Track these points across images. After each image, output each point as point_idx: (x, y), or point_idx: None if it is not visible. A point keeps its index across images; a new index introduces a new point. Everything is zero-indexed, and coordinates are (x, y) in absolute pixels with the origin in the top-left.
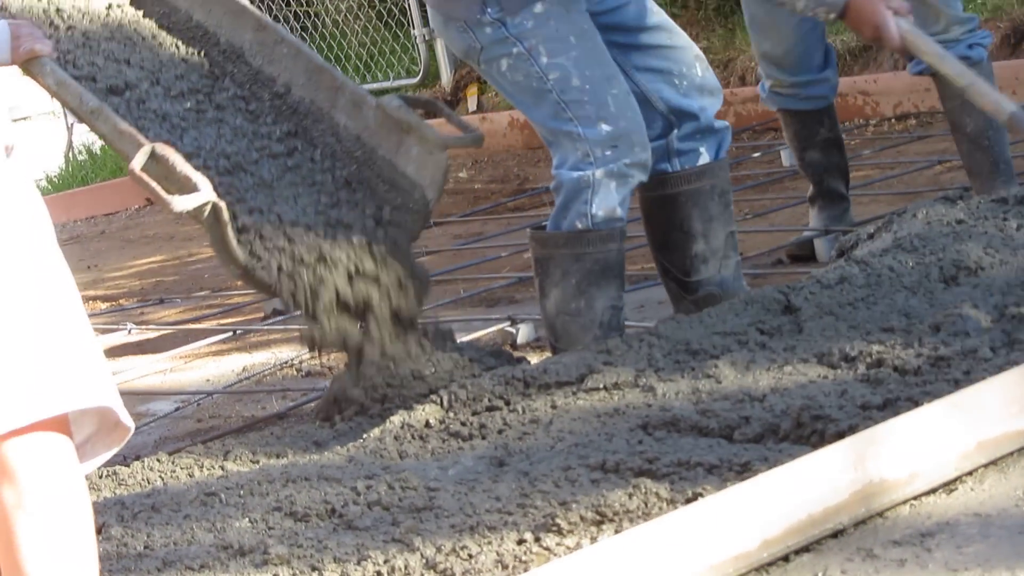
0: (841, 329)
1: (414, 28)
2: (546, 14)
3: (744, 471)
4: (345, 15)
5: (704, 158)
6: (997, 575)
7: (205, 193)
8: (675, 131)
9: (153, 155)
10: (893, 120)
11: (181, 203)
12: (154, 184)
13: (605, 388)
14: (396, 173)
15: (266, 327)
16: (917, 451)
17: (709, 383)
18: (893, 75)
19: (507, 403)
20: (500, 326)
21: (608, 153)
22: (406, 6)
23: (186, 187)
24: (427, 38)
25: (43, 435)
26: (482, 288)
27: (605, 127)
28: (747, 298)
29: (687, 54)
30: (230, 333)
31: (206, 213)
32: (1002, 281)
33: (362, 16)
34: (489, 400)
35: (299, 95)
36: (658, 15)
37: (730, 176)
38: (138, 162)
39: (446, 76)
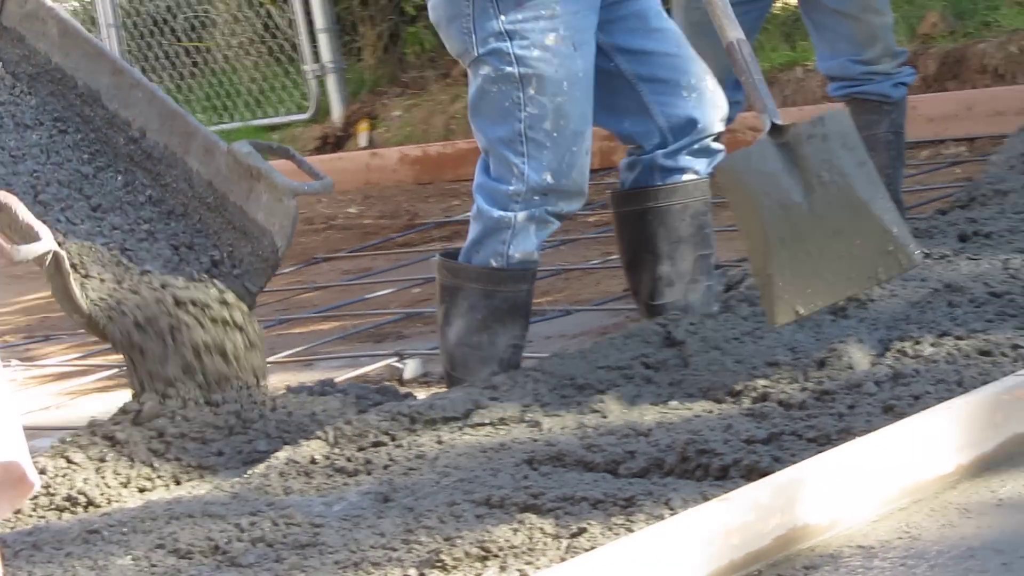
0: (727, 363)
1: (305, 64)
2: (553, 50)
3: (629, 506)
4: (236, 51)
5: (688, 176)
6: None
7: (46, 242)
8: (666, 147)
9: None
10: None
11: (23, 252)
12: None
13: (491, 424)
14: (246, 220)
15: None
16: (842, 496)
17: (595, 418)
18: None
19: (392, 439)
20: (388, 362)
21: (537, 199)
22: (296, 42)
23: (28, 236)
24: (317, 74)
25: None
26: (370, 324)
27: (549, 178)
28: (627, 332)
29: (698, 65)
30: (115, 369)
31: (47, 262)
32: (889, 315)
33: (253, 52)
34: (375, 436)
35: (154, 139)
36: (667, 22)
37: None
38: None
39: (337, 112)
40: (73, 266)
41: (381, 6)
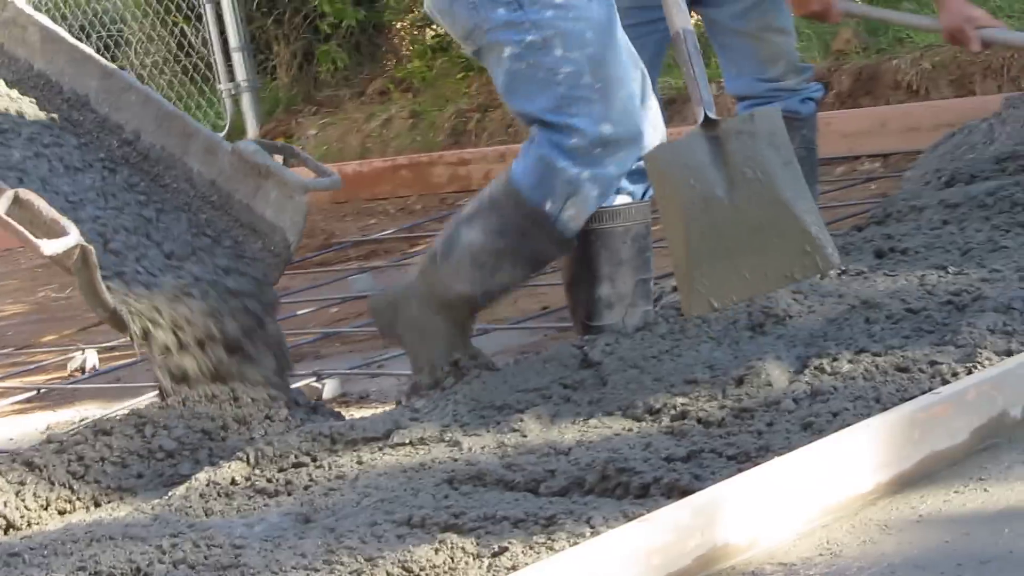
0: (645, 382)
1: (220, 83)
2: (565, 5)
3: (550, 524)
4: (151, 69)
5: (624, 199)
6: None
7: (74, 236)
8: None
9: (17, 200)
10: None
11: (51, 247)
12: (21, 228)
13: (411, 443)
14: (254, 217)
15: (71, 385)
16: (762, 515)
17: (515, 437)
18: None
19: (313, 459)
20: (307, 381)
21: (599, 152)
22: (212, 60)
23: (53, 231)
24: (232, 93)
25: None
26: (288, 344)
27: (608, 129)
28: (545, 356)
29: (644, 85)
30: (34, 392)
31: (75, 257)
32: (807, 332)
33: (167, 71)
34: (295, 457)
35: (149, 141)
36: None
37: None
38: (2, 206)
39: (252, 130)
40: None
41: (295, 25)
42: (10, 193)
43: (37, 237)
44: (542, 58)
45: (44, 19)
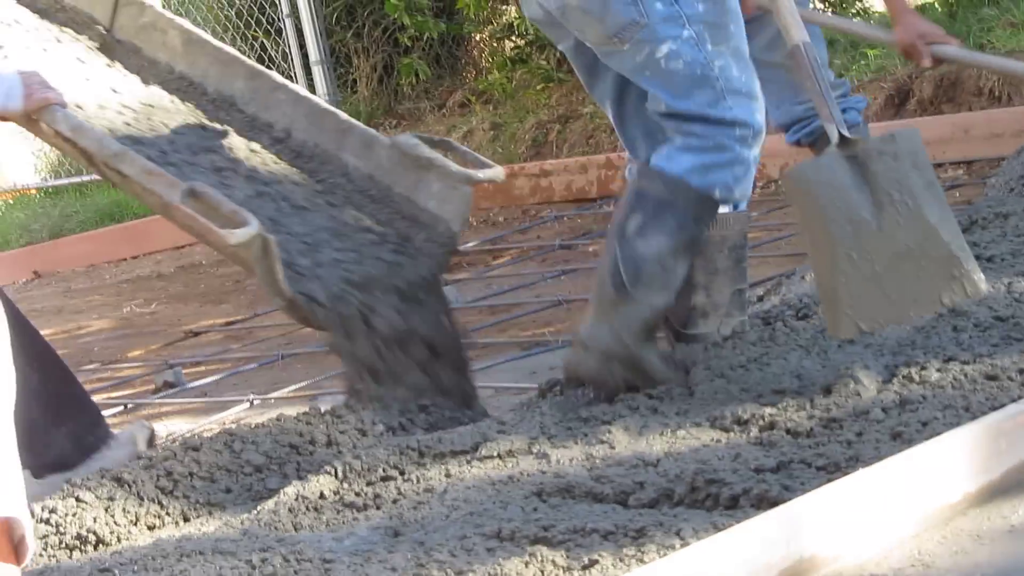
0: (733, 392)
1: None
2: None
3: (640, 536)
4: None
5: (723, 208)
6: None
7: (255, 226)
8: None
9: (192, 193)
10: (780, 183)
11: (236, 236)
12: (203, 219)
13: (499, 456)
14: (416, 208)
15: (157, 400)
16: (850, 526)
17: (603, 449)
18: (779, 138)
19: (401, 473)
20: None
21: (752, 140)
22: (292, 75)
23: (232, 222)
24: None
25: None
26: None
27: (760, 118)
28: None
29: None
30: (121, 407)
31: (255, 246)
32: (894, 340)
33: None
34: (384, 470)
35: (301, 138)
36: None
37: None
38: (180, 197)
39: None
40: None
41: (374, 38)
42: (186, 186)
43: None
44: (698, 54)
45: (185, 22)
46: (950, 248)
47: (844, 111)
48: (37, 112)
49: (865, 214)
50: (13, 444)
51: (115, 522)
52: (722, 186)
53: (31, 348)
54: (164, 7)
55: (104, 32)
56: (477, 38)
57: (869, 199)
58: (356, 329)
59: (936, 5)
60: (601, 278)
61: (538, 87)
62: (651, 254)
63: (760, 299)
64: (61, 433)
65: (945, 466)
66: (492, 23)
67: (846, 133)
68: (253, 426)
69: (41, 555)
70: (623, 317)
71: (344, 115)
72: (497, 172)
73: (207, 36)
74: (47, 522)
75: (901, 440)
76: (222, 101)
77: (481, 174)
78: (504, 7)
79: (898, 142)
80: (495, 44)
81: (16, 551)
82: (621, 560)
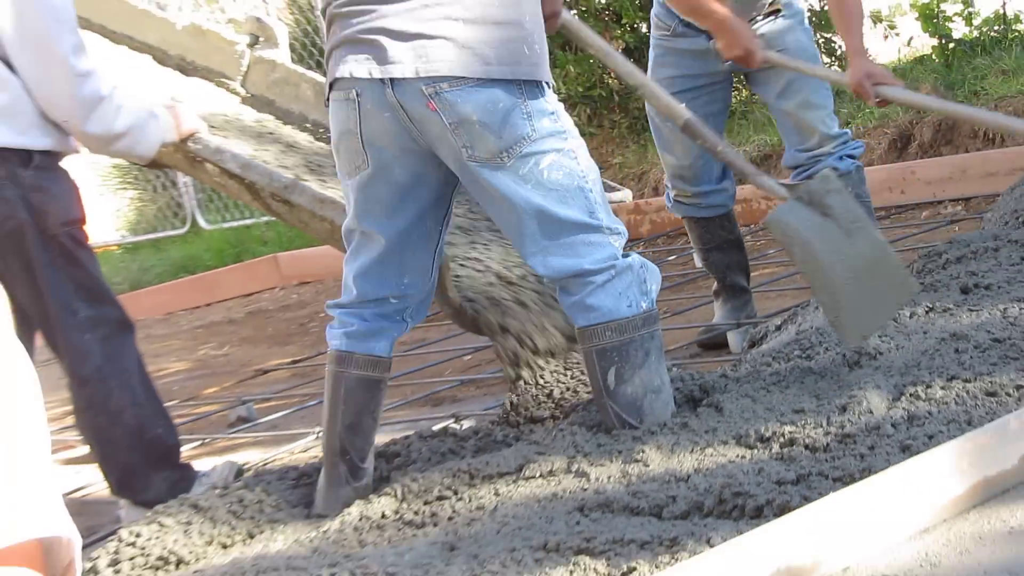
0: (756, 411)
1: None
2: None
3: (673, 546)
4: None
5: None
6: None
7: None
8: None
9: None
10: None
11: None
12: None
13: (542, 475)
14: None
15: (232, 433)
16: (863, 530)
17: (637, 466)
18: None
19: (455, 493)
20: (446, 423)
21: (623, 243)
22: None
23: None
24: None
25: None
26: (428, 391)
27: (620, 225)
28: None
29: None
30: (199, 441)
31: None
32: (901, 363)
33: None
34: (439, 491)
35: None
36: None
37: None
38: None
39: None
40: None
41: None
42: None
43: None
44: (574, 166)
45: (315, 75)
46: (894, 259)
47: (840, 158)
48: (185, 139)
49: (839, 239)
50: (48, 459)
51: (193, 543)
52: (644, 297)
53: (145, 397)
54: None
55: (237, 87)
56: None
57: (836, 227)
58: (510, 325)
59: (933, 56)
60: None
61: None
62: (642, 391)
63: (778, 328)
64: (159, 478)
65: (945, 473)
66: None
67: (788, 182)
68: (319, 457)
69: (129, 575)
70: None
71: None
72: (626, 195)
73: None
74: (134, 545)
75: (910, 452)
76: None
77: (614, 196)
78: None
79: (831, 181)
80: None
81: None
82: (657, 567)
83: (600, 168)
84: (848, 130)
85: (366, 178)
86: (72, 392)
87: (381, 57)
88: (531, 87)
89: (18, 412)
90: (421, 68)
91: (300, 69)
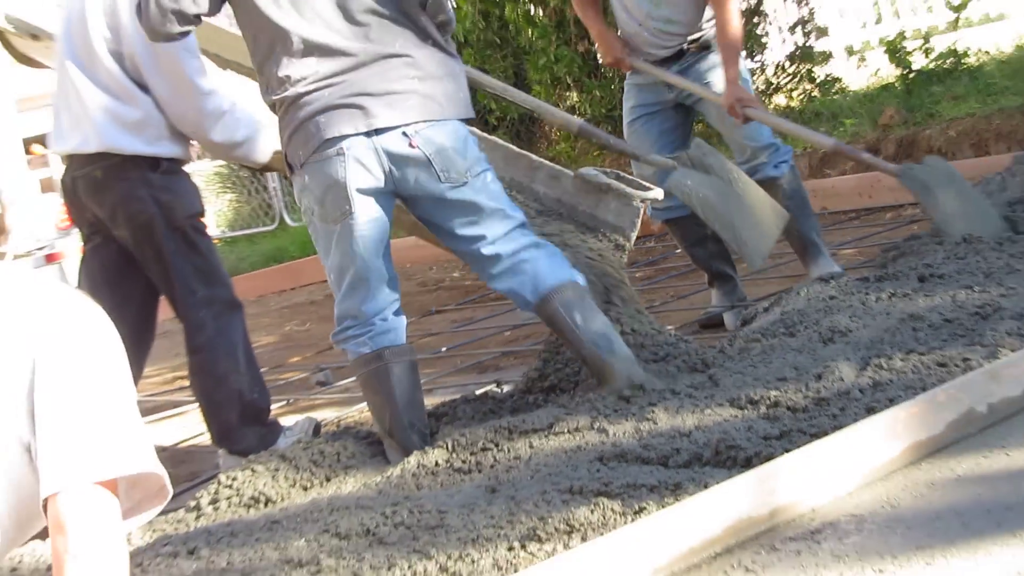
0: (747, 380)
1: None
2: None
3: (677, 489)
4: None
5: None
6: (869, 559)
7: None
8: None
9: None
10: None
11: None
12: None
13: (568, 432)
14: (597, 221)
15: (312, 395)
16: (830, 476)
17: (647, 424)
18: None
19: (496, 445)
20: (488, 387)
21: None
22: None
23: None
24: None
25: (92, 494)
26: (474, 360)
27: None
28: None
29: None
30: (285, 401)
31: None
32: (866, 339)
33: None
34: (482, 444)
35: (500, 175)
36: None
37: (654, 268)
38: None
39: None
40: None
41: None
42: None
43: None
44: (498, 180)
45: None
46: (765, 194)
47: (775, 165)
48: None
49: (724, 188)
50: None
51: (279, 486)
52: (565, 262)
53: (246, 366)
54: None
55: None
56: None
57: (719, 180)
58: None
59: (897, 84)
60: (593, 365)
61: (594, 153)
62: (603, 325)
63: (766, 310)
64: (252, 432)
65: (901, 429)
66: (558, 105)
67: (664, 159)
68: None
69: (226, 512)
70: (624, 371)
71: (534, 156)
72: (657, 193)
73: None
74: (230, 487)
75: (874, 413)
76: None
77: (648, 194)
78: (567, 93)
79: (703, 146)
80: None
81: (157, 497)
82: (663, 507)
83: (620, 177)
84: (777, 140)
85: (352, 222)
86: (188, 358)
87: (364, 114)
88: (466, 123)
89: (120, 378)
90: (398, 117)
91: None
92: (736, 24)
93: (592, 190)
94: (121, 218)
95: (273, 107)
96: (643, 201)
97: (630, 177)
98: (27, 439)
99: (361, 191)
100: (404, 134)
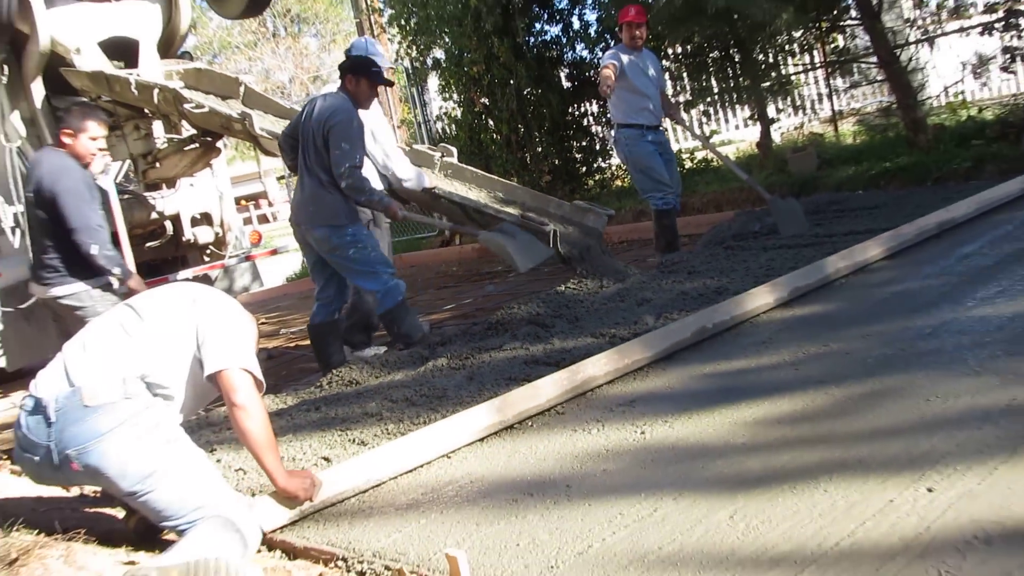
0: (596, 324)
1: None
2: None
3: (559, 367)
4: None
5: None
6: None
7: (550, 226)
8: None
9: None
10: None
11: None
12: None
13: (510, 349)
14: (584, 226)
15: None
16: (612, 365)
17: (549, 346)
18: None
19: (472, 355)
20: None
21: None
22: None
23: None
24: None
25: (243, 372)
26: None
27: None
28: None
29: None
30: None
31: (553, 234)
32: (661, 304)
33: None
34: (466, 353)
35: (529, 206)
36: None
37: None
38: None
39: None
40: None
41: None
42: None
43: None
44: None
45: (474, 169)
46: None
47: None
48: (430, 189)
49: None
50: (241, 316)
51: (364, 375)
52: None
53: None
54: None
55: (437, 171)
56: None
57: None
58: (585, 255)
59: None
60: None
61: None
62: (412, 328)
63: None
64: (354, 337)
65: (483, 413)
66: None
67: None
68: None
69: (333, 388)
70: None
71: (551, 197)
72: (609, 214)
73: (492, 177)
74: (339, 376)
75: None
76: (476, 206)
77: (603, 212)
78: (512, 178)
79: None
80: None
81: (258, 386)
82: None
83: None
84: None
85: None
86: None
87: (304, 218)
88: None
89: (245, 332)
90: (310, 220)
91: (468, 167)
92: None
93: (580, 210)
94: None
95: None
96: (606, 217)
97: (594, 206)
98: (199, 356)
99: (309, 253)
100: (313, 232)
